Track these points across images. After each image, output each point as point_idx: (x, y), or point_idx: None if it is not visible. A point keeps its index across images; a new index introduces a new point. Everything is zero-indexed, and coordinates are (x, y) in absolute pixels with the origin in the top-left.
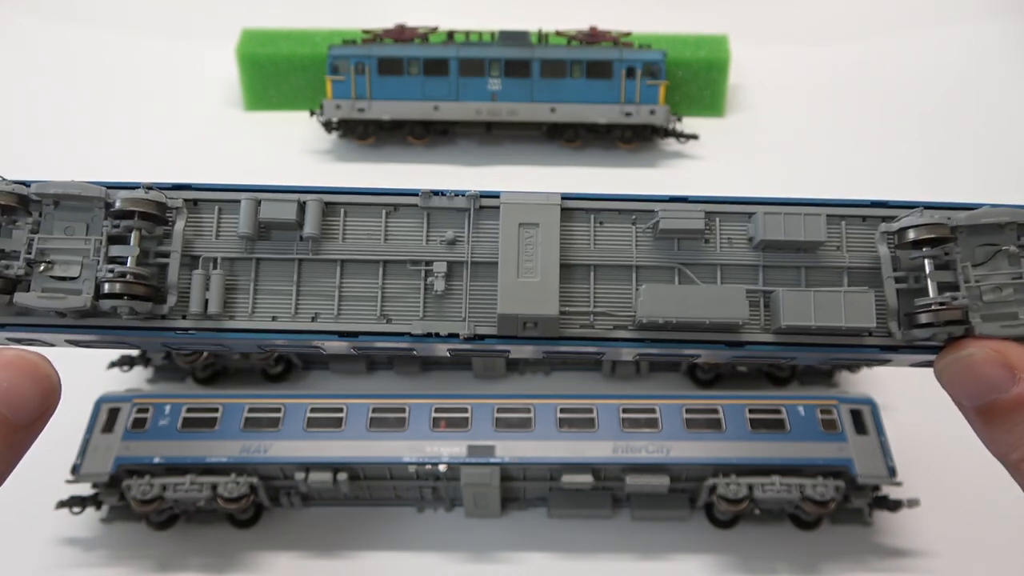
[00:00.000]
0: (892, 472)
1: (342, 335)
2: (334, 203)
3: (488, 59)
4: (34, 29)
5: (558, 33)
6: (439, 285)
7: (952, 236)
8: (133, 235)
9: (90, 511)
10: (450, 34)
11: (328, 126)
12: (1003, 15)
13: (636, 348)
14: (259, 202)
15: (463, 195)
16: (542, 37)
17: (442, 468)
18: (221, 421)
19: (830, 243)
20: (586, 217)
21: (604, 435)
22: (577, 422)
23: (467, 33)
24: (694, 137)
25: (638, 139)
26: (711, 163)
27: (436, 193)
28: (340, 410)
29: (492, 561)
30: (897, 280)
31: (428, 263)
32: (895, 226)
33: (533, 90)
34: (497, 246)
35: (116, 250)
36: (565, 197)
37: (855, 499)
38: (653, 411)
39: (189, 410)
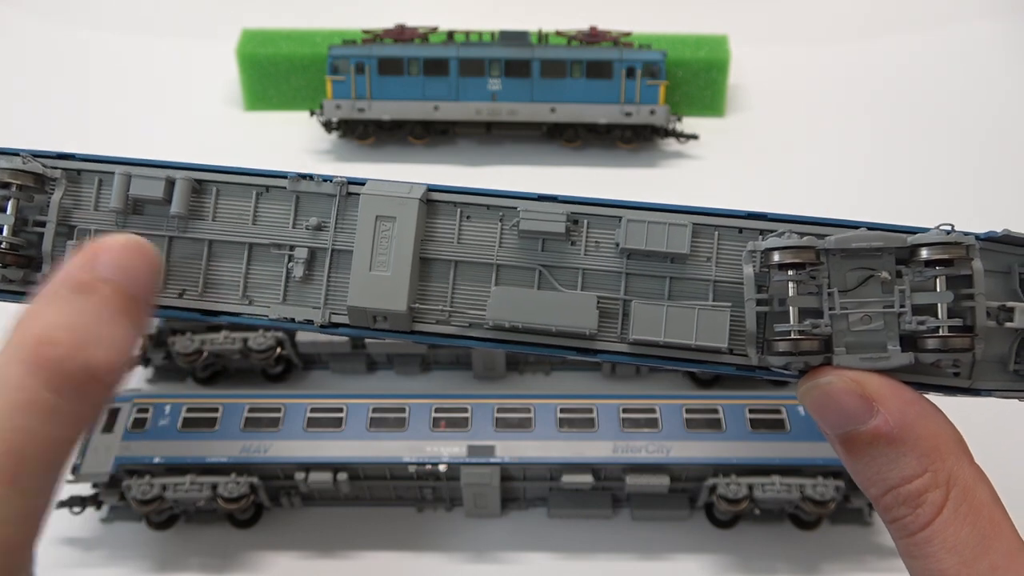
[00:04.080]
0: None
1: (204, 313)
2: (207, 181)
3: (488, 59)
4: (34, 29)
5: (558, 33)
6: (298, 271)
7: (820, 260)
8: (10, 204)
9: (90, 511)
10: (450, 34)
11: (328, 126)
12: (1003, 15)
13: (489, 347)
14: (131, 177)
15: (331, 180)
16: (542, 37)
17: (442, 468)
18: (221, 421)
19: (701, 254)
20: (453, 211)
21: (604, 435)
22: (577, 422)
23: (467, 33)
24: (694, 137)
25: (638, 139)
26: (711, 163)
27: (304, 177)
28: (340, 410)
29: (492, 561)
30: (760, 302)
31: (291, 248)
32: (762, 246)
33: (533, 90)
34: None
35: None
36: (432, 189)
37: (855, 499)
38: (653, 411)
39: (189, 410)
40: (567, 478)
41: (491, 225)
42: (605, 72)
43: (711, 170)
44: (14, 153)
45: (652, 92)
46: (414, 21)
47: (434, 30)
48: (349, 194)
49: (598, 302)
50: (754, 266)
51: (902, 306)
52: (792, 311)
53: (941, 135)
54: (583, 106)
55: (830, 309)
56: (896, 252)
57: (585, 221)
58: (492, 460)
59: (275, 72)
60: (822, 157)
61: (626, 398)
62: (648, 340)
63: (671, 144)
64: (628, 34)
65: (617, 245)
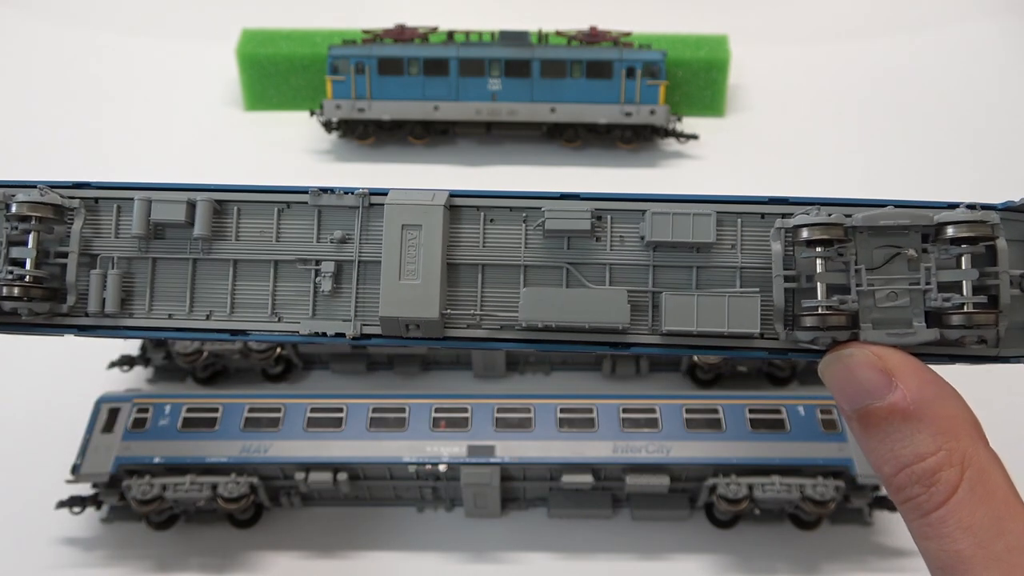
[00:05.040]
0: None
1: (233, 333)
2: (227, 200)
3: (488, 59)
4: (33, 29)
5: (558, 33)
6: (326, 285)
7: (847, 237)
8: (31, 237)
9: (90, 511)
10: (450, 34)
11: (328, 126)
12: (1002, 15)
13: (522, 348)
14: (151, 202)
15: (352, 192)
16: (542, 37)
17: (442, 468)
18: (221, 421)
19: (725, 241)
20: (476, 215)
21: (604, 435)
22: (577, 422)
23: (467, 33)
24: (694, 137)
25: (638, 139)
26: (711, 163)
27: (325, 190)
28: (340, 410)
29: (492, 561)
30: (788, 279)
31: (317, 262)
32: (790, 223)
33: (533, 90)
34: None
35: (16, 252)
36: (454, 195)
37: (855, 499)
38: (653, 411)
39: (189, 410)
40: (567, 478)
41: (515, 227)
42: (605, 72)
43: (711, 170)
44: (31, 185)
45: (652, 92)
46: (414, 21)
47: (434, 30)
48: (371, 205)
49: (628, 296)
50: (782, 244)
51: (928, 283)
52: (820, 287)
53: (941, 135)
54: (583, 106)
55: (857, 286)
56: (922, 230)
57: (609, 217)
58: (492, 460)
59: (275, 72)
60: (822, 157)
61: (626, 398)
62: (681, 330)
63: (671, 144)
64: (628, 34)
65: (642, 238)
